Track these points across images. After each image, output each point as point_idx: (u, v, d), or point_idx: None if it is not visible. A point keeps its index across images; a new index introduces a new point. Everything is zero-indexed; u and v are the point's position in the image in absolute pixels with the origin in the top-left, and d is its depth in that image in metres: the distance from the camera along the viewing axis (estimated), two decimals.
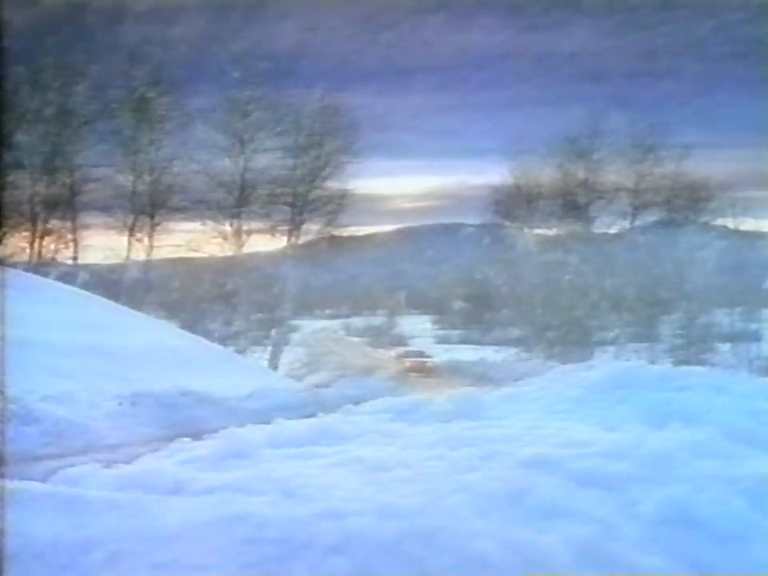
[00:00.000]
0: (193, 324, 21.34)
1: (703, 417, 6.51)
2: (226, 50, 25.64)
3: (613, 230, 28.25)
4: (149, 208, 26.26)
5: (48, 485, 4.60)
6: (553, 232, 28.07)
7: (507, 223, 29.88)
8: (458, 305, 29.14)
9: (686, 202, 27.50)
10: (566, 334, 21.37)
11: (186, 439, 6.56)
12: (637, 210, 28.30)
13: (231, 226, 26.55)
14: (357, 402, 9.93)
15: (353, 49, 27.35)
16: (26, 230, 24.67)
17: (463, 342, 26.77)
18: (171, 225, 26.55)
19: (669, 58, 25.66)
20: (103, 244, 27.07)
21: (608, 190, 27.74)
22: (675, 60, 25.17)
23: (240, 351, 22.91)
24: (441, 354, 21.31)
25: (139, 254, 26.37)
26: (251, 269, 25.31)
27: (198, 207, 26.19)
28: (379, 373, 17.48)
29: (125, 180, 25.96)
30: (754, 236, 25.36)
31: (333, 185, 27.15)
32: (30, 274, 17.05)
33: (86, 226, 26.40)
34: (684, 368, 10.42)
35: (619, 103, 27.64)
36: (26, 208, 24.34)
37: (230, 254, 26.58)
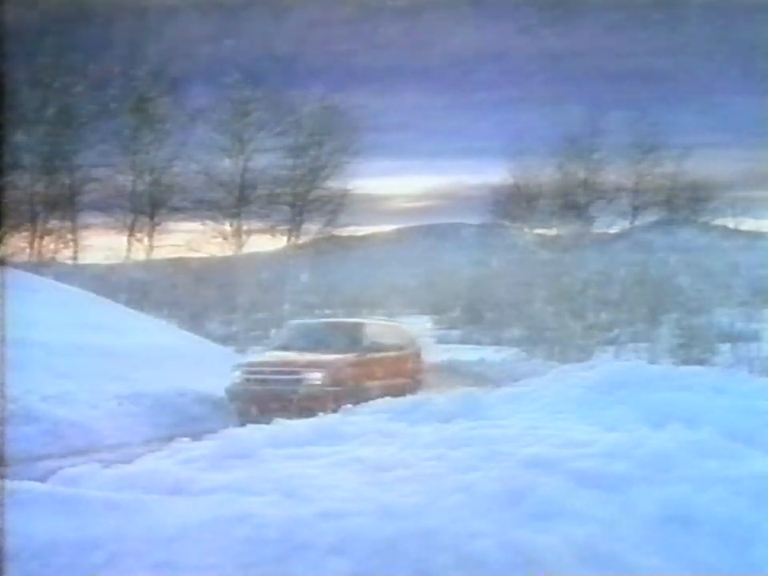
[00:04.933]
0: (193, 324, 21.35)
1: (703, 417, 6.50)
2: (225, 50, 25.65)
3: (613, 230, 28.32)
4: (149, 208, 26.32)
5: (48, 485, 4.60)
6: (553, 232, 28.10)
7: (507, 223, 29.93)
8: (457, 305, 29.16)
9: (686, 202, 27.58)
10: (566, 333, 21.37)
11: (186, 439, 6.56)
12: (637, 210, 28.39)
13: (231, 226, 26.62)
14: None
15: (351, 49, 27.34)
16: (25, 230, 24.73)
17: (463, 342, 26.74)
18: (171, 225, 26.67)
19: (669, 57, 25.68)
20: (103, 244, 27.19)
21: (608, 189, 27.81)
22: (675, 60, 25.19)
23: (240, 351, 22.95)
24: (441, 354, 21.20)
25: (139, 254, 26.46)
26: (251, 269, 25.33)
27: (198, 207, 26.27)
28: None
29: (125, 180, 26.06)
30: (754, 236, 25.37)
31: (333, 185, 27.23)
32: (30, 274, 17.05)
33: (86, 226, 26.49)
34: (684, 368, 10.40)
35: (619, 103, 27.68)
36: (25, 208, 24.38)
37: (229, 253, 26.63)
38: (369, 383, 10.58)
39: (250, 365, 10.87)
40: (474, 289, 27.11)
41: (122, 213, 26.16)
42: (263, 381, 10.24)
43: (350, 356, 10.85)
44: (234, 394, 10.32)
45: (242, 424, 8.80)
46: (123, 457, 6.10)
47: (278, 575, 3.39)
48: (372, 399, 9.31)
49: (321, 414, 8.01)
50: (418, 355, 13.38)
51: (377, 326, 12.68)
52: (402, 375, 11.92)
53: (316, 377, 10.09)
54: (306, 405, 9.35)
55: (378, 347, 11.45)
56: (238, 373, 10.54)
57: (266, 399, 9.77)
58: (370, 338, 11.57)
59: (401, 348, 12.55)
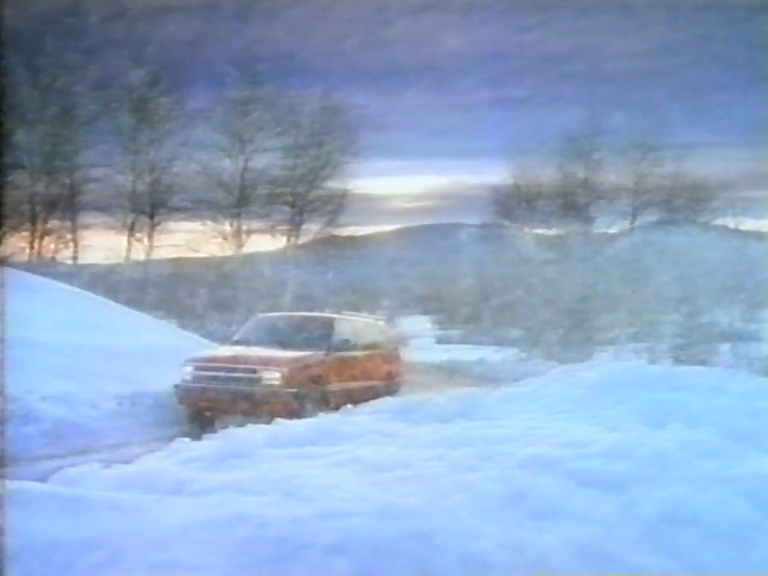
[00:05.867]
0: (193, 324, 21.34)
1: (703, 417, 6.52)
2: (225, 50, 25.67)
3: (613, 230, 28.34)
4: (149, 208, 26.33)
5: (48, 485, 4.60)
6: (553, 232, 28.12)
7: (507, 223, 29.94)
8: (457, 305, 29.14)
9: (686, 202, 27.58)
10: (566, 333, 21.38)
11: (186, 439, 6.57)
12: (637, 210, 28.38)
13: (231, 226, 26.62)
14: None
15: (351, 48, 27.38)
16: (25, 230, 24.74)
17: (463, 342, 26.77)
18: (171, 225, 26.69)
19: (668, 58, 25.69)
20: (103, 244, 27.20)
21: (608, 189, 27.82)
22: (675, 60, 25.20)
23: None
24: (441, 354, 21.20)
25: (139, 254, 26.47)
26: (251, 269, 25.33)
27: (198, 207, 26.28)
28: None
29: (125, 180, 26.07)
30: (754, 236, 25.38)
31: (333, 185, 27.23)
32: (29, 274, 17.04)
33: (86, 226, 26.51)
34: (684, 368, 10.44)
35: (619, 103, 27.71)
36: (25, 208, 24.40)
37: (229, 253, 26.63)
38: (336, 386, 9.81)
39: (203, 360, 9.80)
40: (474, 289, 27.10)
41: (121, 213, 26.19)
42: (216, 378, 9.24)
43: (314, 354, 9.85)
44: (183, 392, 9.38)
45: (193, 425, 8.70)
46: (123, 457, 6.10)
47: (277, 575, 3.39)
48: (340, 403, 8.93)
49: (280, 419, 7.35)
50: (396, 356, 12.52)
51: (349, 323, 11.37)
52: (376, 377, 11.14)
53: (274, 376, 9.07)
54: (263, 407, 8.54)
55: (348, 345, 10.46)
56: (188, 368, 9.51)
57: (219, 399, 8.96)
58: (340, 334, 10.53)
59: (376, 347, 11.65)
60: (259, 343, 10.18)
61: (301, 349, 9.88)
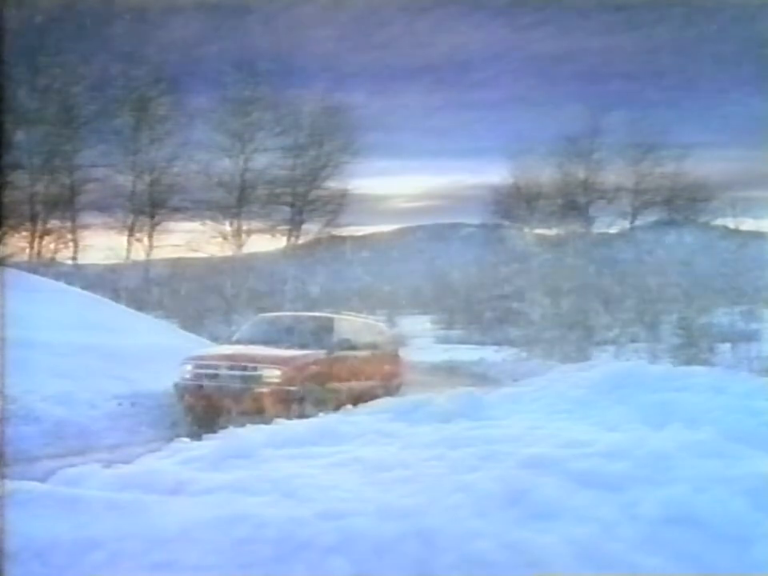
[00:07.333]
0: (193, 324, 21.34)
1: (703, 417, 6.50)
2: (225, 50, 25.66)
3: (613, 230, 28.36)
4: (149, 208, 26.36)
5: (48, 485, 4.60)
6: (553, 232, 28.12)
7: (507, 223, 29.97)
8: (457, 305, 29.14)
9: (686, 202, 27.63)
10: (566, 333, 21.38)
11: (186, 439, 6.56)
12: (637, 210, 28.45)
13: (231, 225, 26.66)
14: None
15: (348, 48, 27.37)
16: (25, 230, 24.75)
17: (463, 342, 26.77)
18: (171, 225, 26.73)
19: (669, 57, 25.68)
20: (103, 244, 27.20)
21: (608, 189, 27.86)
22: (675, 60, 25.18)
23: None
24: (441, 354, 21.19)
25: (139, 254, 26.49)
26: (251, 269, 25.34)
27: (198, 207, 26.33)
28: None
29: (125, 180, 26.10)
30: (754, 236, 25.36)
31: (333, 185, 27.28)
32: (29, 274, 17.04)
33: (86, 226, 26.54)
34: (684, 368, 10.40)
35: (619, 103, 27.71)
36: (25, 208, 24.40)
37: (230, 253, 26.65)
38: (336, 385, 9.85)
39: (203, 357, 9.86)
40: (474, 289, 27.10)
41: (122, 213, 26.22)
42: (216, 376, 9.32)
43: (315, 353, 9.88)
44: (182, 390, 9.43)
45: (193, 425, 8.71)
46: (123, 457, 6.11)
47: (277, 575, 3.39)
48: (340, 403, 8.97)
49: (280, 418, 7.43)
50: (395, 356, 12.52)
51: (349, 322, 11.43)
52: (375, 377, 11.15)
53: (274, 374, 9.14)
54: (263, 405, 8.58)
55: (348, 345, 10.49)
56: (188, 366, 9.56)
57: (219, 397, 8.97)
58: (339, 334, 10.57)
59: (376, 347, 11.70)
60: (259, 342, 10.22)
61: (301, 348, 9.91)
